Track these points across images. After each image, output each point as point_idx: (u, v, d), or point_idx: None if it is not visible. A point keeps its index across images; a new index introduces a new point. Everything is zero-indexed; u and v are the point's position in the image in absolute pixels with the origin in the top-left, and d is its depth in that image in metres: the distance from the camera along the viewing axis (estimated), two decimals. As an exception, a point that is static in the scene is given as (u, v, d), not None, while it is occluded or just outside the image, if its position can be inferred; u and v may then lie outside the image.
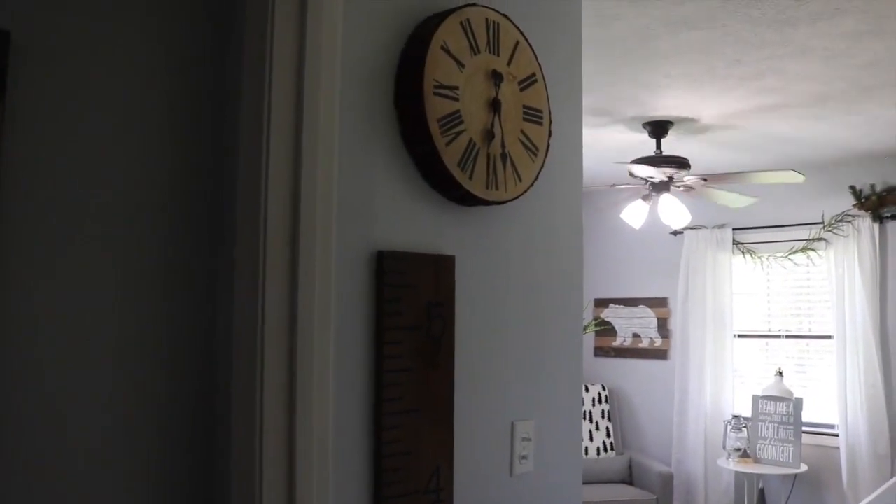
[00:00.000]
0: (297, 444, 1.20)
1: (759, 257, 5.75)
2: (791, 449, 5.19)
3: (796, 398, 5.27)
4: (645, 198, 4.50)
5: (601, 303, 6.40)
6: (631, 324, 6.27)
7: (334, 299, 1.28)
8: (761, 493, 5.30)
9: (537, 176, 1.67)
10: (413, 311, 1.42)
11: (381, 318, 1.37)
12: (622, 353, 6.32)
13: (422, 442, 1.42)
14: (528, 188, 1.65)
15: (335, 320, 1.28)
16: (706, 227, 5.83)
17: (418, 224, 1.50)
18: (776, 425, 5.28)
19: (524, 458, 1.69)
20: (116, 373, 1.19)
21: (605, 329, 6.35)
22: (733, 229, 5.77)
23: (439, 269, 1.48)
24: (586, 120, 1.99)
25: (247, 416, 1.19)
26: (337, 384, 1.29)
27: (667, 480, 5.40)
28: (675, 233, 5.98)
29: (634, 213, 4.58)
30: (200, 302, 1.30)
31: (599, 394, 6.02)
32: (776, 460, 5.24)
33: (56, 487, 1.13)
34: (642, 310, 6.21)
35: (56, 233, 1.15)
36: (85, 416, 1.16)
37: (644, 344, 6.21)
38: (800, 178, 4.09)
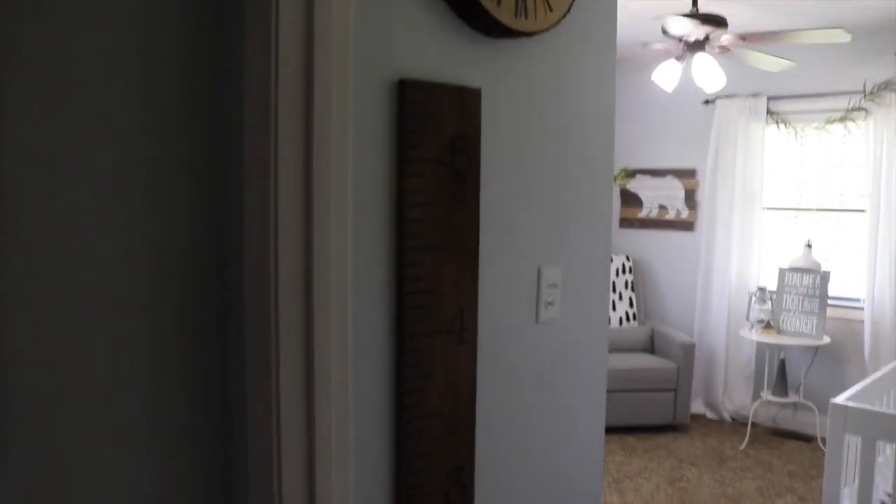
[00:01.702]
0: (315, 276, 1.15)
1: (794, 127, 5.56)
2: (815, 321, 5.17)
3: (823, 271, 5.21)
4: (678, 58, 4.30)
5: (628, 173, 6.27)
6: (658, 195, 6.16)
7: (352, 127, 1.20)
8: (782, 363, 5.32)
9: (569, 7, 1.55)
10: (436, 144, 1.34)
11: (402, 150, 1.30)
12: (648, 224, 6.24)
13: (445, 281, 1.38)
14: (560, 20, 1.54)
15: (353, 149, 1.21)
16: (740, 96, 5.62)
17: (442, 54, 1.40)
18: (801, 297, 5.24)
19: (550, 304, 1.65)
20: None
21: (631, 198, 6.26)
22: (768, 98, 5.56)
23: (464, 102, 1.39)
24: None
25: (261, 246, 1.13)
26: (355, 216, 1.23)
27: (688, 350, 5.43)
28: (707, 101, 5.79)
29: (667, 75, 4.39)
30: (211, 142, 1.23)
31: (623, 264, 5.99)
32: (799, 332, 5.23)
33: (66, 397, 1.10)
34: (670, 181, 6.09)
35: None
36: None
37: (670, 215, 6.12)
38: (846, 38, 3.87)
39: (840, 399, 2.69)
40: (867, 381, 3.05)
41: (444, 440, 1.43)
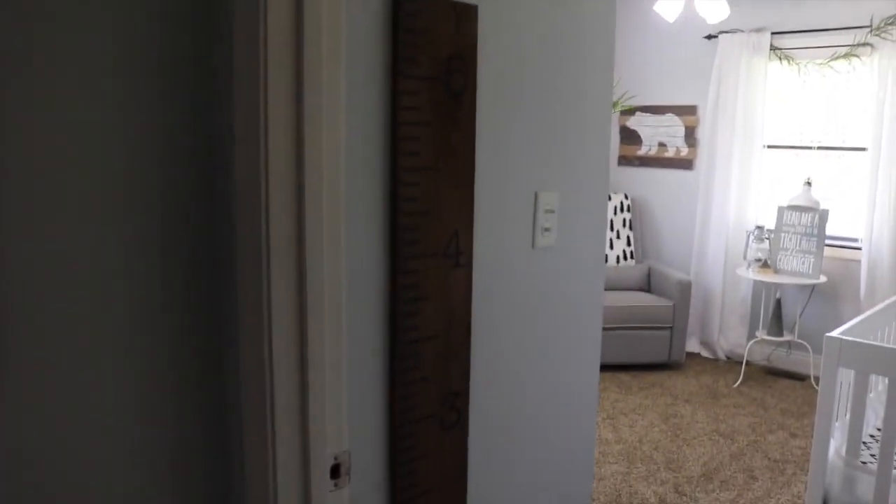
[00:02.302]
0: (306, 194, 1.12)
1: (797, 64, 5.46)
2: (812, 260, 5.16)
3: (822, 209, 5.18)
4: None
5: (627, 111, 6.20)
6: (657, 132, 6.09)
7: (345, 40, 1.16)
8: (777, 302, 5.33)
9: (571, -78, 1.50)
10: (431, 61, 1.30)
11: (396, 66, 1.26)
12: (647, 162, 6.19)
13: (440, 202, 1.35)
14: (561, -65, 1.48)
15: (345, 61, 1.17)
16: (742, 31, 5.51)
17: (438, -32, 1.35)
18: (799, 236, 5.22)
19: (547, 230, 1.63)
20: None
21: (630, 135, 6.19)
22: (772, 33, 5.45)
23: (461, 18, 1.35)
24: None
25: (251, 167, 1.10)
26: (348, 133, 1.20)
27: (685, 288, 5.43)
28: (709, 37, 5.68)
29: (668, 4, 4.29)
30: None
31: (622, 202, 5.96)
32: (796, 271, 5.23)
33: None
34: (669, 118, 6.01)
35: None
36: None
37: (670, 153, 6.06)
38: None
39: (835, 333, 2.69)
40: (862, 316, 3.06)
41: (439, 365, 1.42)
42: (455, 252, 1.40)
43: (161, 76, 1.15)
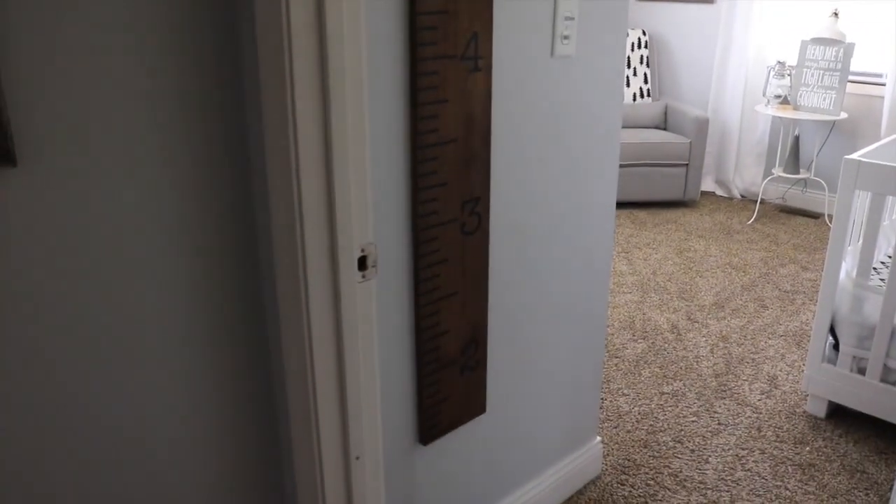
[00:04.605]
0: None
1: None
2: (833, 96, 5.06)
3: (848, 43, 5.03)
4: None
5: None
6: (679, -37, 5.86)
7: None
8: (796, 139, 5.27)
9: None
10: None
11: None
12: (666, -5, 5.99)
13: (458, 2, 1.33)
14: None
15: None
16: None
17: None
18: (821, 72, 5.10)
19: (566, 38, 1.61)
20: None
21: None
22: None
23: None
24: None
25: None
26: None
27: (701, 125, 5.37)
28: None
29: None
30: None
31: (639, 39, 5.80)
32: (816, 107, 5.14)
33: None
34: (692, -53, 5.77)
35: None
36: None
37: (691, -15, 5.85)
38: None
39: (854, 155, 2.68)
40: (881, 142, 3.04)
41: (459, 168, 1.44)
42: (474, 55, 1.39)
43: None
